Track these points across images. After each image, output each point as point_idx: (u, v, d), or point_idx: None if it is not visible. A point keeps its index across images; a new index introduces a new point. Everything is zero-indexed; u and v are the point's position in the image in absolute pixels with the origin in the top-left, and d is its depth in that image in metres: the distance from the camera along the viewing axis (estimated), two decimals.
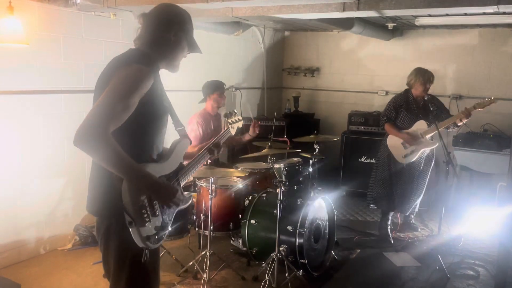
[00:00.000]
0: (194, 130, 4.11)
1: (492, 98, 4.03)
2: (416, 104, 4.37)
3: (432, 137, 4.30)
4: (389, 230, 4.52)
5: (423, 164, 4.40)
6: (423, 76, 4.26)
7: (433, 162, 4.48)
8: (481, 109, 4.08)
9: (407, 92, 4.43)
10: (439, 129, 4.01)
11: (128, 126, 1.69)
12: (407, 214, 4.60)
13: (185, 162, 2.01)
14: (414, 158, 4.29)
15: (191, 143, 2.05)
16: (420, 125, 4.29)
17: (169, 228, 1.89)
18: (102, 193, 1.78)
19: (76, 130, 1.57)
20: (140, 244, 1.73)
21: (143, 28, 1.92)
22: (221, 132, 2.34)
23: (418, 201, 4.51)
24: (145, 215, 1.73)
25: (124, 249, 1.78)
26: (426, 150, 4.34)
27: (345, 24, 4.98)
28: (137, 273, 1.81)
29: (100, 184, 1.78)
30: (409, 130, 4.32)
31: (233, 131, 2.43)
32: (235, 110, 2.48)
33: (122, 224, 1.69)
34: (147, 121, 1.79)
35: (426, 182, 4.49)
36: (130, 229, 1.69)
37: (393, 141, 4.37)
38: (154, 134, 1.84)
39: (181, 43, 1.93)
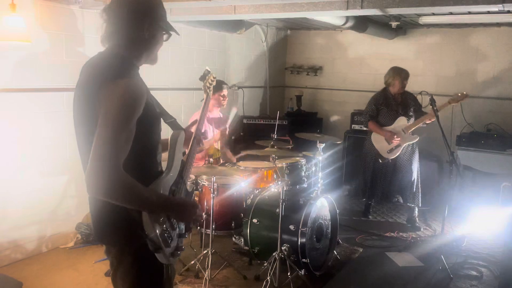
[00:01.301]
0: None
1: (464, 93, 4.27)
2: (395, 100, 4.67)
3: (413, 132, 4.57)
4: (369, 215, 5.06)
5: (408, 156, 4.64)
6: (400, 74, 4.58)
7: (417, 152, 4.70)
8: (455, 103, 4.34)
9: (385, 90, 4.73)
10: (414, 128, 4.44)
11: (131, 149, 1.54)
12: (406, 204, 4.75)
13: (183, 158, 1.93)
14: (398, 152, 4.56)
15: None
16: (401, 121, 4.59)
17: (186, 235, 1.83)
18: (117, 225, 1.64)
19: (86, 178, 1.43)
20: (165, 261, 1.68)
21: (110, 25, 1.66)
22: (203, 102, 2.20)
23: (418, 194, 4.68)
24: (167, 236, 1.66)
25: (141, 271, 1.69)
26: (409, 144, 4.61)
27: (360, 27, 5.02)
28: None
29: (112, 214, 1.63)
30: (391, 127, 4.60)
31: (211, 94, 2.29)
32: (208, 69, 2.24)
33: (138, 246, 1.62)
34: (147, 137, 1.66)
35: (418, 173, 4.70)
36: (156, 254, 1.63)
37: (378, 138, 4.66)
38: (155, 146, 1.73)
39: (156, 36, 1.72)
